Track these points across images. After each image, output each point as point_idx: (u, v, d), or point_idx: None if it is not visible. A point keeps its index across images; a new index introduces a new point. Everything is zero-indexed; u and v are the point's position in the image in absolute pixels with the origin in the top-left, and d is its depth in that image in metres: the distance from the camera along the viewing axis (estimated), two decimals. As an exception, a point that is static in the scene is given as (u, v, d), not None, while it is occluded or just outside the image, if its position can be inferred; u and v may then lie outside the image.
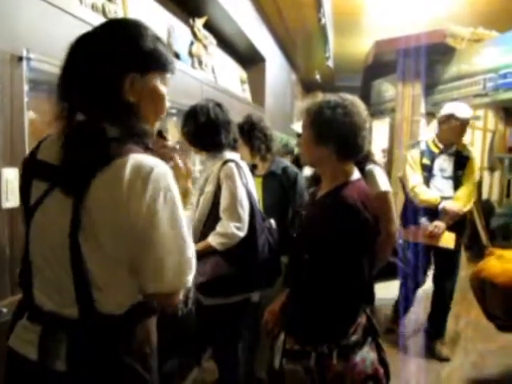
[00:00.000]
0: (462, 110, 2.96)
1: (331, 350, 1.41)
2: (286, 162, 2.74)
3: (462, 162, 3.01)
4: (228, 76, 4.37)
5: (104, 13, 2.17)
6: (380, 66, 5.74)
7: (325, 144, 1.47)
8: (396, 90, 5.20)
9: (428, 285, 3.34)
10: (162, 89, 1.08)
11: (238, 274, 1.95)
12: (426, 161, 3.03)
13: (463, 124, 2.95)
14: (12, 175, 1.37)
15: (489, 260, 2.58)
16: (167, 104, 1.11)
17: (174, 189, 0.94)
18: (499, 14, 5.31)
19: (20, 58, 1.39)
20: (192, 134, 2.07)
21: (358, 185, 1.52)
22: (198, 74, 3.10)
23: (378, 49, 5.39)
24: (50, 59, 1.50)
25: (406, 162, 3.12)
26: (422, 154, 3.05)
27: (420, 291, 3.33)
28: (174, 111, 2.92)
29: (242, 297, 2.04)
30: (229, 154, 2.07)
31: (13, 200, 1.38)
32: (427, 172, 3.03)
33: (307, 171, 2.88)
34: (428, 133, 5.30)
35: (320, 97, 1.53)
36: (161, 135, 1.13)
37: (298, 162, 2.99)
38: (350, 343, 1.43)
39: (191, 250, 1.03)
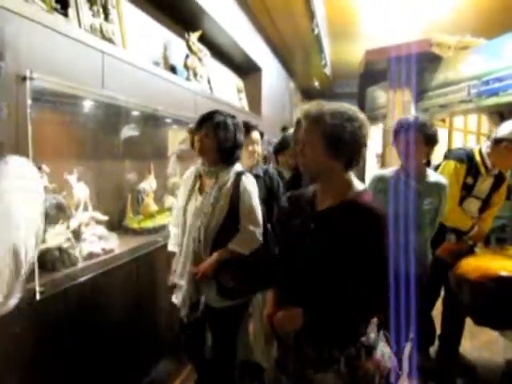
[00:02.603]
0: None
1: (359, 351, 1.43)
2: (264, 165, 2.86)
3: (498, 183, 2.79)
4: (224, 86, 4.56)
5: (102, 32, 2.35)
6: (371, 73, 5.93)
7: (338, 157, 1.41)
8: (387, 97, 5.37)
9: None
10: None
11: (255, 276, 2.11)
12: (469, 180, 2.73)
13: None
14: (17, 181, 1.55)
15: (467, 258, 2.71)
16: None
17: None
18: (488, 22, 5.48)
19: (24, 78, 1.57)
20: (219, 147, 2.06)
21: (368, 193, 1.50)
22: (191, 85, 3.29)
23: (368, 58, 5.57)
24: (51, 78, 1.70)
25: (445, 170, 2.75)
26: (468, 172, 2.73)
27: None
28: (169, 121, 3.12)
29: (247, 297, 2.21)
30: (238, 166, 2.16)
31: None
32: (466, 191, 2.76)
33: None
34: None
35: (323, 104, 1.44)
36: None
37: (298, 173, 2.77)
38: (371, 341, 1.46)
39: None
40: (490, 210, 2.86)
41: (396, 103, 5.20)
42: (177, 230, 2.22)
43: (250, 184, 2.08)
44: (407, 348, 3.10)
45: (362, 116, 1.43)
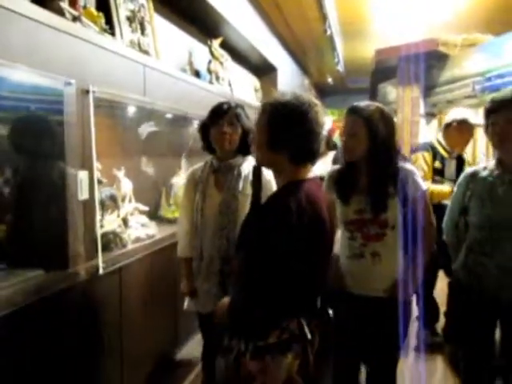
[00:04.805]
0: (473, 115, 2.98)
1: (247, 348, 1.34)
2: None
3: (461, 164, 3.07)
4: (243, 86, 4.89)
5: (139, 46, 2.69)
6: (382, 71, 6.19)
7: (279, 151, 1.37)
8: (397, 93, 5.63)
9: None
10: None
11: None
12: (438, 164, 3.04)
13: (472, 130, 3.02)
14: (84, 176, 1.90)
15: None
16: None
17: None
18: (495, 21, 5.67)
19: (87, 91, 1.92)
20: (243, 136, 2.03)
21: (304, 184, 1.39)
22: (214, 88, 3.62)
23: (378, 56, 5.84)
24: (107, 89, 2.05)
25: (417, 162, 3.06)
26: (435, 157, 3.06)
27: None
28: (196, 121, 3.45)
29: None
30: (251, 158, 2.11)
31: (85, 194, 1.91)
32: (439, 175, 3.05)
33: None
34: (428, 132, 5.71)
35: (275, 95, 1.42)
36: None
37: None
38: (267, 345, 1.33)
39: None
40: None
41: (405, 99, 5.46)
42: (185, 237, 2.13)
43: (270, 175, 1.97)
44: (415, 325, 3.35)
45: (308, 110, 1.34)
